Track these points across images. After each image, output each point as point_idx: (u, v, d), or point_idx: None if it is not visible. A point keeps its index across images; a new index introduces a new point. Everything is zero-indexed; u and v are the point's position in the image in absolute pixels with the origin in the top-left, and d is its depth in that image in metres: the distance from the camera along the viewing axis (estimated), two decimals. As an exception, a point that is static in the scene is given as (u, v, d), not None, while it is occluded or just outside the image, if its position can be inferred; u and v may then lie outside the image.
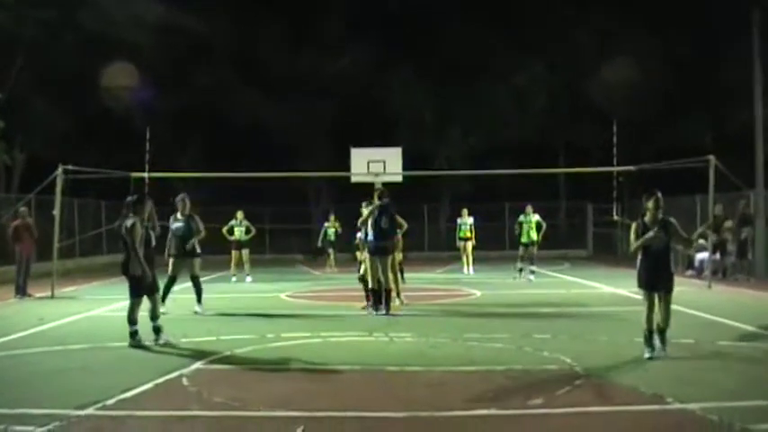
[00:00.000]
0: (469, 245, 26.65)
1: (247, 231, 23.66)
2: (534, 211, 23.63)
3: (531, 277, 23.24)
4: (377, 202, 15.34)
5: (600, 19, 38.58)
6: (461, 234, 26.75)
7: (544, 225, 23.74)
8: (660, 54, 36.25)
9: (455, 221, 27.78)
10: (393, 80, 39.63)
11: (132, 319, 11.33)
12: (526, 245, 23.52)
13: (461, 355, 10.64)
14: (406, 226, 17.53)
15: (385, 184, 24.07)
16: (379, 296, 15.21)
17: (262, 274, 24.86)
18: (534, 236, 23.37)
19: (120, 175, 23.36)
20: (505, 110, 39.45)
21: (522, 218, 23.78)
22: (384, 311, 14.98)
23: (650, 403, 7.90)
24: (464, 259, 26.81)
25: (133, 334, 11.31)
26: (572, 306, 16.80)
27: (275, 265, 31.08)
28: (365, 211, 15.46)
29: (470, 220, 26.78)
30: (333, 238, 28.02)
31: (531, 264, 23.57)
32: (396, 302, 16.26)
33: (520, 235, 23.69)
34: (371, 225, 15.17)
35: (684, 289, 20.00)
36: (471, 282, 22.70)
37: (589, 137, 37.58)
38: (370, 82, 39.33)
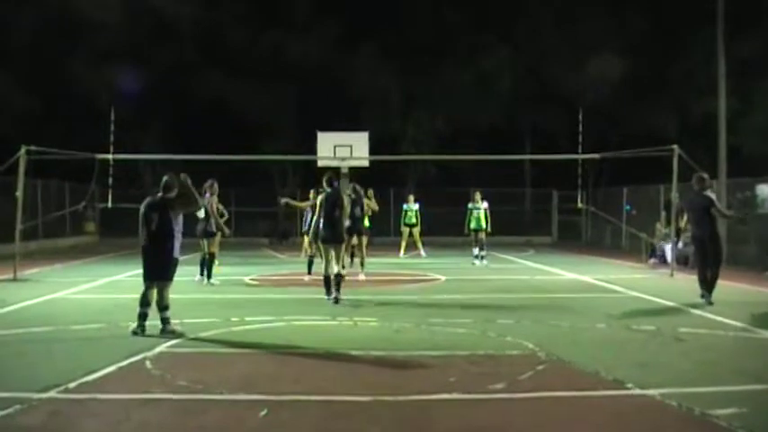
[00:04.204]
0: (416, 231, 26.87)
1: (221, 215, 23.36)
2: (483, 198, 23.79)
3: (485, 262, 23.45)
4: (326, 188, 14.86)
5: (566, 5, 38.81)
6: (407, 220, 26.88)
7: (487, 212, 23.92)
8: (626, 42, 36.49)
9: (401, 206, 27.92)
10: (358, 62, 39.53)
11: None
12: (476, 231, 23.73)
13: (425, 340, 10.69)
14: (376, 209, 18.12)
15: (351, 169, 24.25)
16: (329, 283, 14.67)
17: (226, 258, 24.70)
18: (483, 223, 23.56)
19: (84, 157, 23.10)
20: (471, 93, 39.48)
21: (470, 205, 23.96)
22: (334, 297, 14.48)
23: (611, 389, 7.99)
24: (403, 244, 27.07)
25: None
26: (535, 292, 16.92)
27: (240, 248, 30.94)
28: (317, 199, 15.17)
29: (416, 206, 26.93)
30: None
31: (482, 249, 23.75)
32: (361, 276, 18.23)
33: (469, 222, 23.87)
34: (322, 213, 14.66)
35: (647, 276, 20.29)
36: (435, 267, 22.76)
37: (555, 124, 37.77)
38: (336, 63, 39.22)
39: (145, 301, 10.96)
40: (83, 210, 29.14)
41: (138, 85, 36.36)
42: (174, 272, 11.18)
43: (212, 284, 17.69)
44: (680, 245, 22.06)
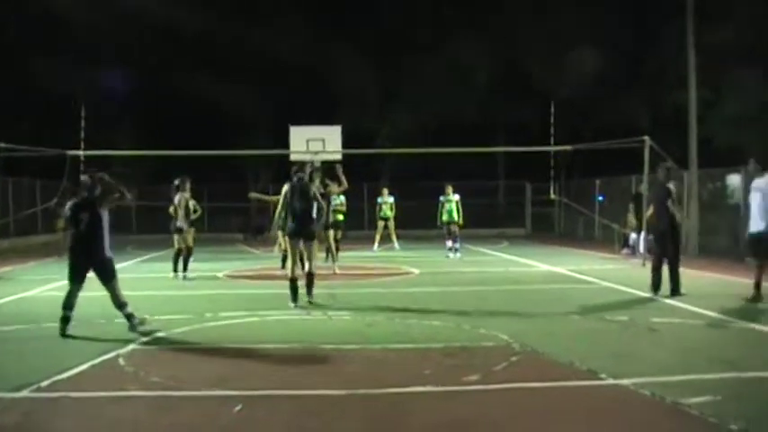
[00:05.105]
0: (391, 224, 27.01)
1: (194, 210, 23.25)
2: (455, 191, 23.94)
3: (458, 255, 23.57)
4: (293, 179, 13.48)
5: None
6: (382, 214, 26.98)
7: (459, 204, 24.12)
8: (599, 36, 36.58)
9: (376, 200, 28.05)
10: (334, 58, 39.43)
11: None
12: (448, 223, 23.88)
13: (399, 333, 10.70)
14: (345, 185, 17.95)
15: (324, 163, 24.22)
16: (296, 287, 13.24)
17: (200, 254, 24.60)
18: (455, 215, 23.73)
19: (56, 154, 22.92)
20: (446, 88, 39.51)
21: (442, 198, 24.10)
22: (307, 300, 13.36)
23: (585, 379, 8.04)
24: (377, 237, 27.28)
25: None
26: (510, 284, 16.99)
27: (214, 244, 30.84)
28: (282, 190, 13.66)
29: (391, 199, 27.06)
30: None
31: (455, 242, 23.88)
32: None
33: (441, 215, 24.00)
34: (288, 206, 13.33)
35: (620, 267, 20.41)
36: (409, 260, 22.81)
37: (528, 117, 37.90)
38: (312, 60, 39.09)
39: (69, 304, 10.66)
40: (54, 207, 28.91)
41: (116, 83, 36.18)
42: (114, 269, 10.89)
43: (186, 278, 17.94)
44: (650, 236, 22.18)
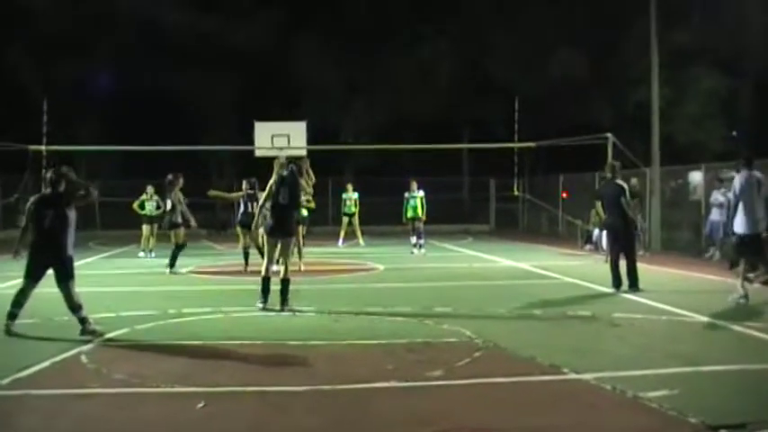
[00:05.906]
0: (355, 220, 27.00)
1: (158, 206, 23.08)
2: (419, 188, 23.99)
3: (423, 251, 23.59)
4: (280, 171, 12.57)
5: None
6: (346, 209, 26.98)
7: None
8: (564, 33, 36.76)
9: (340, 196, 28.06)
10: (299, 52, 39.35)
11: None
12: (412, 219, 23.93)
13: (363, 329, 10.74)
14: (313, 180, 17.80)
15: (289, 158, 24.16)
16: (268, 286, 12.43)
17: (164, 250, 24.48)
18: (420, 211, 23.76)
19: (17, 149, 22.71)
20: (411, 84, 39.58)
21: (407, 194, 24.13)
22: (287, 309, 12.24)
23: (547, 374, 8.10)
24: (342, 233, 27.25)
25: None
26: (473, 279, 17.07)
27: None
28: (270, 181, 12.65)
29: (355, 195, 27.04)
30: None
31: (420, 238, 23.91)
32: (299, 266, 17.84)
33: (406, 211, 24.04)
34: (272, 200, 12.53)
35: (583, 263, 20.55)
36: (374, 256, 22.81)
37: (493, 113, 38.01)
38: (276, 53, 38.97)
39: (18, 302, 10.43)
40: (15, 202, 28.65)
41: (80, 77, 35.89)
42: (72, 269, 10.53)
43: (175, 273, 18.04)
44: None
